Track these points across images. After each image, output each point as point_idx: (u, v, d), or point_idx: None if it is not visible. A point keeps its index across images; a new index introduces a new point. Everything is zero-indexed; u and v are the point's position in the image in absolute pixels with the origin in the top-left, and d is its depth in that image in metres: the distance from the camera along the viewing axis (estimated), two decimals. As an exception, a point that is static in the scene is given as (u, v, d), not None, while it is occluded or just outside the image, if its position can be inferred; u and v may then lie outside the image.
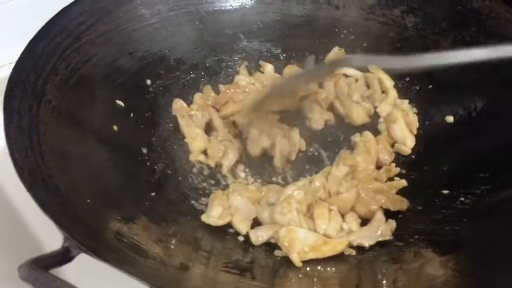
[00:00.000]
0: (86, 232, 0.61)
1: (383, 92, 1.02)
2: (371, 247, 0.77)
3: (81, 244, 0.56)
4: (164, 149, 0.93)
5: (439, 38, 0.99)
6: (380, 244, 0.77)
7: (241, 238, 0.80)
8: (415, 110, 0.99)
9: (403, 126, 0.94)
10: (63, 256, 0.56)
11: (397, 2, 1.03)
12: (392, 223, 0.79)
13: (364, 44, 1.07)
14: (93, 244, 0.58)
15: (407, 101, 1.01)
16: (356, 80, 1.04)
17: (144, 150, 0.89)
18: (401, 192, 0.85)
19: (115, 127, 0.86)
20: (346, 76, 1.05)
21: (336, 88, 1.02)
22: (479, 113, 0.89)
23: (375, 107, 1.00)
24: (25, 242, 0.84)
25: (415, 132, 0.96)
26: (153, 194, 0.82)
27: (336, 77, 1.04)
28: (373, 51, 1.06)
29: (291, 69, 1.08)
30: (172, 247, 0.71)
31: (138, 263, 0.61)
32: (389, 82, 1.02)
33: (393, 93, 1.01)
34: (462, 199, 0.79)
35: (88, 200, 0.69)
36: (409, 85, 1.02)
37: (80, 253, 0.57)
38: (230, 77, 1.07)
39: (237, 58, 1.09)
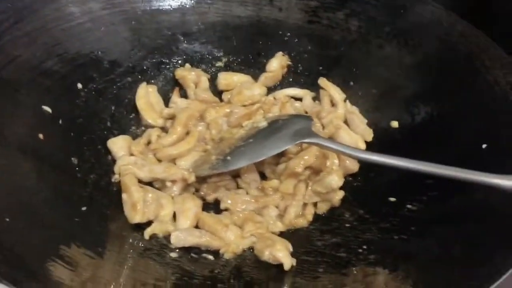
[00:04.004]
0: (2, 258, 0.53)
1: (332, 105, 0.99)
2: (317, 260, 0.74)
3: (-6, 273, 0.49)
4: (97, 159, 0.85)
5: (382, 42, 0.97)
6: (328, 256, 0.75)
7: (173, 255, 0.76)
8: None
9: (348, 130, 0.92)
10: (-27, 288, 0.49)
11: (340, 5, 1.01)
12: None
13: (309, 48, 1.04)
14: (10, 272, 0.51)
15: (356, 108, 0.98)
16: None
17: (75, 161, 0.81)
18: (345, 200, 0.84)
19: (41, 136, 0.78)
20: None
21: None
22: (424, 118, 0.88)
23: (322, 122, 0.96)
24: None
25: (369, 132, 0.94)
26: (84, 209, 0.75)
27: (283, 102, 0.98)
28: (317, 55, 1.04)
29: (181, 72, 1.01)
30: (105, 269, 0.64)
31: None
32: (339, 96, 0.98)
33: (342, 106, 0.97)
34: (409, 206, 0.77)
35: (7, 219, 0.61)
36: (353, 90, 1.00)
37: (-6, 283, 0.50)
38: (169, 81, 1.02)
39: (176, 61, 1.04)
